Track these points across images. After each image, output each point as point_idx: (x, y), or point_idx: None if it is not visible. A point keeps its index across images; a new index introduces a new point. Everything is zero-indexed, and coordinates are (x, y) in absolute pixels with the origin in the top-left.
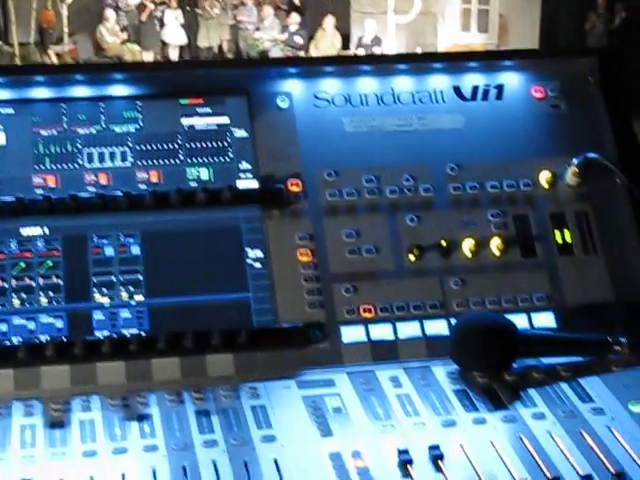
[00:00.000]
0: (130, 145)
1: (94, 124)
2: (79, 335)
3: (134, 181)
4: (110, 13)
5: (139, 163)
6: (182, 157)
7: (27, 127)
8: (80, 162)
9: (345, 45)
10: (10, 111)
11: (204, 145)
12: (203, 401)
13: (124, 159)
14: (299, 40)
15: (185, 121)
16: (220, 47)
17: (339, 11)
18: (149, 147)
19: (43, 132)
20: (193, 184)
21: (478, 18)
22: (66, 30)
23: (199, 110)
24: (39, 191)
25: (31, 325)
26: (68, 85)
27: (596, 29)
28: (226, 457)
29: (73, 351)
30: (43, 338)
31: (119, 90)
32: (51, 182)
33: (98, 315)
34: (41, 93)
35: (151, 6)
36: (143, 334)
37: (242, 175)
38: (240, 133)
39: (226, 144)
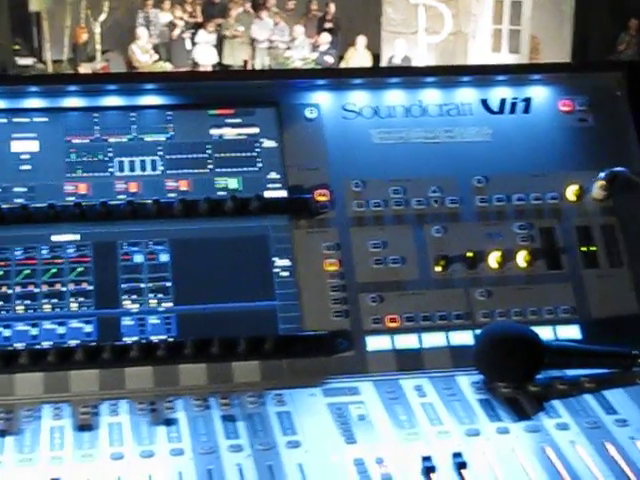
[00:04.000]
0: (160, 154)
1: (125, 133)
2: (108, 340)
3: (164, 190)
4: (142, 31)
5: (169, 172)
6: (211, 167)
7: (60, 135)
8: (111, 170)
9: (375, 64)
10: (44, 119)
11: (233, 155)
12: (229, 407)
13: (154, 168)
14: (329, 59)
15: (214, 131)
16: (245, 65)
17: (370, 31)
18: (179, 156)
19: (76, 140)
20: (222, 193)
21: (509, 38)
22: (98, 47)
23: (228, 121)
24: (71, 198)
25: (61, 330)
26: (100, 95)
27: (629, 50)
28: (251, 461)
29: (102, 356)
30: (73, 343)
31: (150, 100)
32: (82, 190)
33: (127, 321)
34: (74, 102)
35: (180, 23)
36: (171, 340)
37: (270, 185)
38: (269, 143)
39: (255, 154)
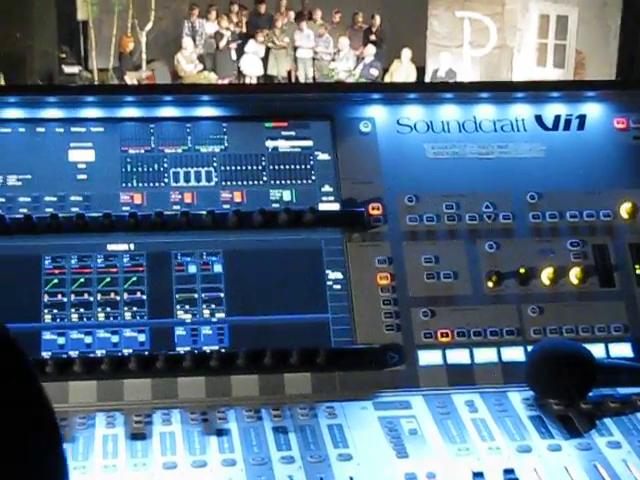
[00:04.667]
0: (215, 165)
1: (181, 144)
2: (161, 350)
3: (218, 201)
4: (188, 42)
5: (223, 183)
6: (265, 178)
7: (116, 145)
8: (166, 181)
9: (420, 78)
10: (100, 129)
11: (287, 167)
12: (281, 418)
13: (209, 179)
14: (374, 71)
15: (269, 143)
16: (289, 76)
17: (415, 44)
18: (234, 168)
19: (131, 151)
20: (276, 205)
21: (554, 53)
22: (144, 57)
23: (283, 133)
24: (126, 208)
25: (115, 338)
26: (157, 106)
27: None
28: (302, 473)
29: (155, 365)
30: (126, 352)
31: (206, 112)
32: (138, 200)
33: (180, 331)
34: (131, 113)
35: (227, 33)
36: (223, 350)
37: (324, 198)
38: (323, 156)
39: (309, 167)
